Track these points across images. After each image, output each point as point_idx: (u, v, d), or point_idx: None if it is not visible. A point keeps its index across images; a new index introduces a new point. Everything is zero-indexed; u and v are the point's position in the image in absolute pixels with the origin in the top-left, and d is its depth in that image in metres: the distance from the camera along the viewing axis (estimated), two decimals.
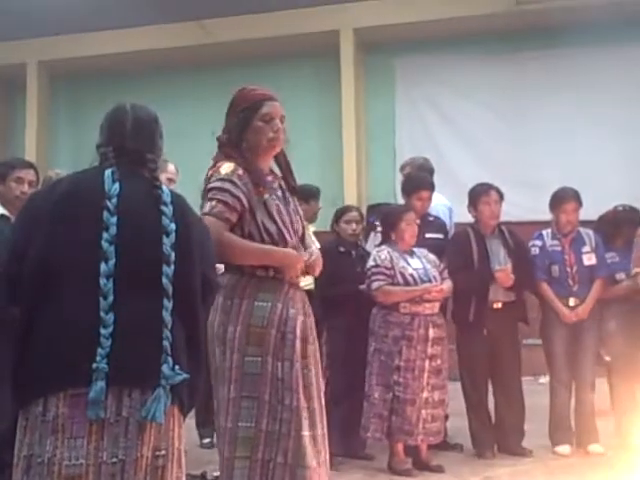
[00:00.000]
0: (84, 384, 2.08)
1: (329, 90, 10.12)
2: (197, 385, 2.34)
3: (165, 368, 2.16)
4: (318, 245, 5.77)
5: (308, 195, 5.88)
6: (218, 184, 3.03)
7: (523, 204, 8.83)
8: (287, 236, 3.10)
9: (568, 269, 5.34)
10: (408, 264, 4.98)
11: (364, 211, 7.07)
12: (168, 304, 2.21)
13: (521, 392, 5.39)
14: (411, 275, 4.92)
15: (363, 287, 5.03)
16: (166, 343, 2.18)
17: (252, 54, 10.16)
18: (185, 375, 2.21)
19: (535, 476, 4.79)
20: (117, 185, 2.24)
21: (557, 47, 9.52)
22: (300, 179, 6.24)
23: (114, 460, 2.10)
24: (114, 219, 2.19)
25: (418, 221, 5.16)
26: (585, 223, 5.64)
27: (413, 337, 4.84)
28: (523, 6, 9.23)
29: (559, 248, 5.40)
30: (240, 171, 3.06)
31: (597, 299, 5.31)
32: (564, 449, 5.26)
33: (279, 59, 10.19)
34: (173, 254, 2.25)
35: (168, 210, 2.30)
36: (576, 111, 9.52)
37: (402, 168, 6.26)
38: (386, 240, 5.13)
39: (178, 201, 2.37)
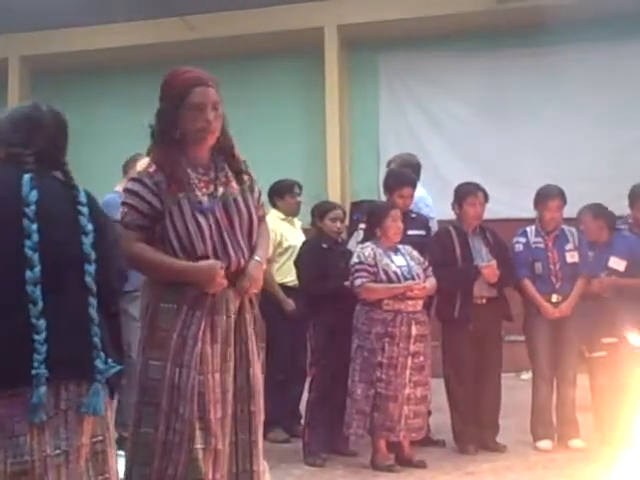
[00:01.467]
0: (22, 385, 2.14)
1: (313, 87, 10.12)
2: (121, 372, 2.41)
3: (99, 363, 2.27)
4: (302, 239, 5.83)
5: (281, 190, 5.93)
6: (129, 185, 2.95)
7: (505, 201, 8.88)
8: (197, 244, 2.86)
9: (551, 266, 5.38)
10: (392, 261, 5.00)
11: (347, 208, 7.09)
12: (94, 301, 2.30)
13: (499, 388, 5.42)
14: (394, 272, 4.94)
15: (348, 284, 5.04)
16: (96, 339, 2.28)
17: (236, 51, 10.16)
18: (117, 367, 2.33)
19: (516, 471, 4.82)
20: (35, 192, 2.25)
21: (539, 45, 9.59)
22: (284, 175, 6.34)
23: (57, 452, 2.19)
24: (34, 226, 2.21)
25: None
26: (567, 221, 5.67)
27: (396, 334, 4.85)
28: (505, 4, 9.29)
29: (542, 245, 5.44)
30: (152, 168, 2.91)
31: (580, 296, 5.35)
32: (545, 444, 5.30)
33: (263, 56, 10.18)
34: (93, 253, 2.32)
35: (85, 210, 2.35)
36: (558, 108, 9.59)
37: (388, 164, 6.27)
38: (370, 237, 5.15)
39: (92, 202, 2.43)
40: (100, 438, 2.32)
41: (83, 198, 2.38)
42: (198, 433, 2.79)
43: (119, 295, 2.63)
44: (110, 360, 2.30)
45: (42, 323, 2.16)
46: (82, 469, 2.26)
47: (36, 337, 2.15)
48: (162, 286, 2.88)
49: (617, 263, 5.44)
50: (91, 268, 2.31)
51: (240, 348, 2.94)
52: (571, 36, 9.43)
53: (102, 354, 2.28)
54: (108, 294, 2.38)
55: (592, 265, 5.47)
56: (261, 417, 3.01)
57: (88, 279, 2.30)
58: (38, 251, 2.20)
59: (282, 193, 5.98)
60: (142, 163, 2.96)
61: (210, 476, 2.81)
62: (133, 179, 2.95)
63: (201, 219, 2.86)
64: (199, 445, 2.79)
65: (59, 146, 2.46)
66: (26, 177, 2.27)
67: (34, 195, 2.24)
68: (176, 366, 2.81)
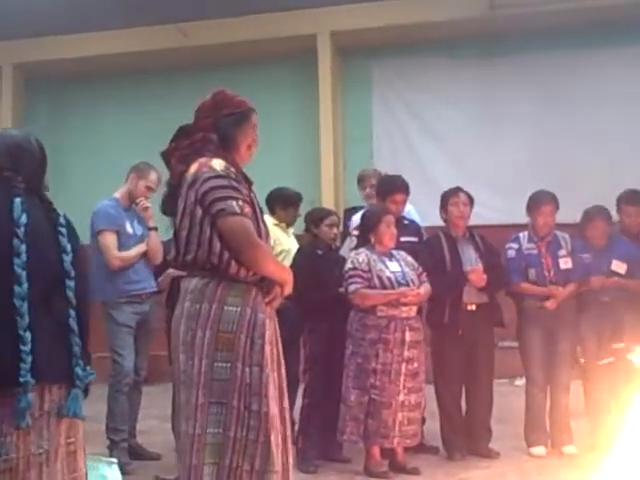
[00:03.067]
0: (10, 388, 2.35)
1: (307, 93, 10.13)
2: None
3: (78, 370, 2.52)
4: (294, 244, 5.82)
5: (287, 202, 5.84)
6: (226, 182, 3.00)
7: (498, 207, 8.94)
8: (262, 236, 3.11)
9: (546, 273, 5.39)
10: (386, 267, 5.00)
11: (341, 214, 7.09)
12: (73, 313, 2.55)
13: (491, 395, 5.43)
14: (388, 278, 4.94)
15: (342, 290, 5.04)
16: (76, 348, 2.53)
17: (230, 57, 10.17)
18: (93, 374, 2.58)
19: (510, 477, 4.84)
20: (25, 215, 2.48)
21: (530, 51, 9.62)
22: (278, 182, 6.34)
23: (40, 451, 2.43)
24: (23, 247, 2.44)
25: None
26: (560, 226, 5.68)
27: (390, 340, 4.86)
28: (497, 11, 9.30)
29: (535, 251, 5.45)
30: (232, 169, 3.07)
31: (571, 297, 5.36)
32: (539, 450, 5.31)
33: (257, 63, 10.19)
34: (73, 270, 2.58)
35: (64, 231, 2.63)
36: (549, 114, 9.63)
37: (359, 181, 6.25)
38: (364, 243, 5.15)
39: (69, 224, 2.70)
40: (73, 440, 2.56)
41: (62, 221, 2.65)
42: (272, 428, 2.94)
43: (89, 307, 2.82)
44: (88, 368, 2.57)
45: (28, 335, 2.38)
46: (58, 468, 2.48)
47: (22, 348, 2.36)
48: (225, 289, 2.97)
49: (619, 266, 5.46)
50: (71, 283, 2.57)
51: (277, 349, 3.14)
52: (561, 43, 9.48)
53: (80, 362, 2.53)
54: (83, 306, 2.64)
55: (593, 269, 5.45)
56: (285, 416, 3.16)
57: (69, 293, 2.56)
58: (26, 269, 2.43)
59: (287, 205, 5.84)
60: (220, 162, 3.04)
61: (279, 466, 2.99)
62: (228, 177, 3.02)
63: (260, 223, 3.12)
64: (273, 437, 2.94)
65: (42, 175, 2.77)
66: (17, 200, 2.50)
67: (24, 218, 2.47)
68: (246, 366, 2.93)
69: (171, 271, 5.43)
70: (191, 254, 3.00)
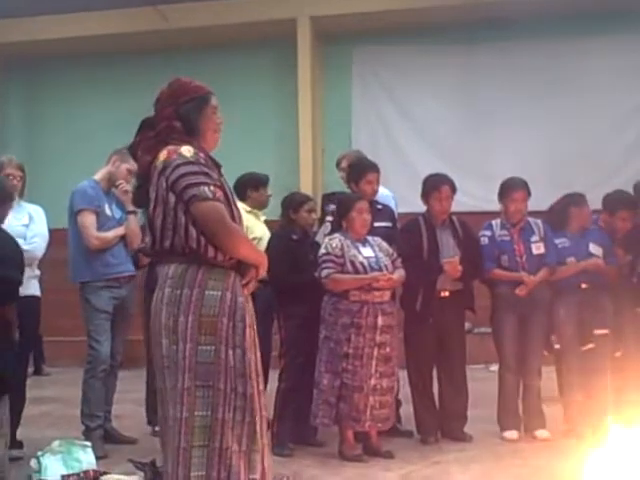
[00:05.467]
0: None
1: (286, 78, 10.12)
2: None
3: None
4: (266, 231, 5.85)
5: (258, 182, 5.92)
6: (196, 168, 3.00)
7: (476, 194, 8.97)
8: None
9: (517, 259, 5.42)
10: (359, 252, 5.01)
11: (319, 199, 7.09)
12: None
13: (465, 379, 5.48)
14: (361, 263, 4.95)
15: (316, 275, 5.06)
16: None
17: (209, 41, 10.13)
18: None
19: (483, 461, 4.87)
20: None
21: (512, 39, 9.66)
22: (256, 167, 6.35)
23: None
24: None
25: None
26: (536, 214, 5.72)
27: (362, 325, 4.87)
28: None
29: (508, 238, 5.47)
30: (202, 154, 3.08)
31: (544, 282, 5.39)
32: (511, 434, 5.36)
33: (236, 47, 10.16)
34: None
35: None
36: (529, 102, 9.68)
37: (338, 163, 6.30)
38: (337, 229, 5.16)
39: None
40: None
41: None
42: (256, 407, 3.01)
43: None
44: None
45: None
46: None
47: None
48: (205, 274, 2.99)
49: (596, 250, 5.50)
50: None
51: (254, 332, 3.15)
52: (544, 31, 9.53)
53: None
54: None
55: (569, 253, 5.50)
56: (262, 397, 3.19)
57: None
58: None
59: (257, 186, 5.92)
60: (188, 149, 3.04)
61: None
62: (198, 163, 3.03)
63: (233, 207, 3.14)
64: (258, 418, 3.01)
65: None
66: None
67: None
68: (230, 348, 2.97)
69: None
70: (168, 240, 3.01)
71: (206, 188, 2.97)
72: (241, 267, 3.08)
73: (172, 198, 2.98)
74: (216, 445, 2.93)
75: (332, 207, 5.49)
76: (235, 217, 3.10)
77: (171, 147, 3.05)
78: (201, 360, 2.94)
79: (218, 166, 3.17)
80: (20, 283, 4.05)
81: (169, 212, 2.99)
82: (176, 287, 2.99)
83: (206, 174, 3.01)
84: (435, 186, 5.45)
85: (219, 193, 3.02)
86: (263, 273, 3.17)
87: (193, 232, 2.96)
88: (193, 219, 2.96)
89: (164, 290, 3.01)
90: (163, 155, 3.04)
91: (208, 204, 2.95)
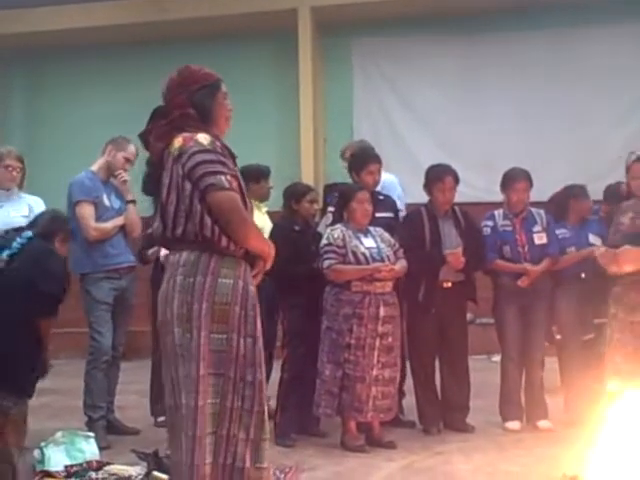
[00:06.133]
0: None
1: (287, 69, 10.09)
2: None
3: None
4: (267, 222, 5.84)
5: (259, 174, 5.87)
6: (214, 157, 3.00)
7: (478, 185, 8.94)
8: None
9: (519, 249, 5.41)
10: (361, 243, 5.01)
11: (320, 190, 7.08)
12: None
13: (467, 370, 5.48)
14: (363, 254, 4.95)
15: (318, 265, 5.05)
16: None
17: (209, 32, 10.08)
18: None
19: (485, 451, 4.87)
20: None
21: (512, 29, 9.64)
22: (257, 158, 6.33)
23: None
24: None
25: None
26: (538, 204, 5.70)
27: (364, 315, 4.87)
28: None
29: (510, 228, 5.46)
30: (218, 142, 3.08)
31: (546, 272, 5.38)
32: (514, 425, 5.37)
33: (236, 37, 10.11)
34: None
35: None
36: (530, 93, 9.65)
37: (342, 154, 6.29)
38: (340, 219, 5.16)
39: None
40: None
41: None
42: (264, 397, 3.05)
43: None
44: None
45: None
46: None
47: None
48: (217, 262, 3.00)
49: (595, 240, 5.50)
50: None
51: (260, 321, 3.16)
52: (545, 22, 9.50)
53: None
54: None
55: (570, 244, 5.52)
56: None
57: None
58: None
59: (258, 178, 5.85)
60: (205, 136, 3.04)
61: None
62: (215, 151, 3.02)
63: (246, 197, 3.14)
64: (265, 408, 3.04)
65: None
66: None
67: None
68: (241, 337, 2.99)
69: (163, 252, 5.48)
70: (180, 228, 3.02)
71: (223, 177, 2.97)
72: (250, 258, 3.09)
73: (188, 186, 2.98)
74: (223, 433, 2.95)
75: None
76: (247, 207, 3.11)
77: (187, 134, 3.04)
78: (213, 348, 2.96)
79: (233, 156, 3.16)
80: (60, 300, 3.98)
81: (184, 199, 2.99)
82: (189, 275, 2.98)
83: (222, 163, 3.01)
84: (439, 177, 5.44)
85: (235, 183, 3.03)
86: (270, 265, 3.18)
87: (208, 221, 2.96)
88: (208, 208, 2.96)
89: (176, 278, 3.00)
90: (178, 142, 3.03)
91: (224, 193, 2.95)
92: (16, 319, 3.79)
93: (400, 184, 6.11)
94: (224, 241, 2.99)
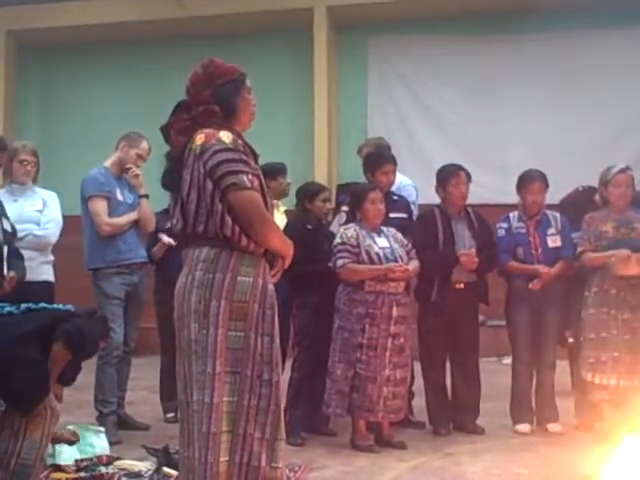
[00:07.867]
0: None
1: (302, 67, 10.09)
2: None
3: None
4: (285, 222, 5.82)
5: (275, 172, 5.84)
6: (236, 156, 2.99)
7: (493, 186, 8.92)
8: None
9: (533, 251, 5.39)
10: (374, 242, 5.00)
11: (334, 190, 7.09)
12: None
13: (478, 371, 5.46)
14: (376, 254, 4.94)
15: (331, 264, 5.05)
16: None
17: (226, 30, 10.10)
18: None
19: (495, 453, 4.86)
20: None
21: (528, 30, 9.56)
22: (271, 156, 6.29)
23: None
24: None
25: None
26: (553, 206, 5.69)
27: (376, 315, 4.87)
28: None
29: (524, 230, 5.44)
30: (240, 141, 3.06)
31: (560, 276, 5.35)
32: (524, 427, 5.34)
33: (252, 35, 10.13)
34: None
35: None
36: (545, 94, 9.61)
37: (359, 150, 6.28)
38: (352, 219, 5.15)
39: None
40: None
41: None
42: (280, 396, 3.05)
43: None
44: None
45: None
46: None
47: None
48: (237, 260, 3.00)
49: None
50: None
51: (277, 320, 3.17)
52: (561, 24, 9.44)
53: None
54: None
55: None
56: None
57: None
58: None
59: (275, 175, 5.79)
60: (227, 134, 3.03)
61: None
62: (237, 150, 3.01)
63: (267, 196, 3.14)
64: (282, 407, 3.05)
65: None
66: None
67: None
68: (259, 335, 2.99)
69: (165, 239, 5.48)
70: (201, 225, 3.01)
71: (244, 177, 2.97)
72: (269, 257, 3.10)
73: (209, 184, 2.97)
74: (240, 432, 2.95)
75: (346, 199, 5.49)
76: (268, 206, 3.10)
77: (208, 130, 3.03)
78: (231, 346, 2.96)
79: (255, 155, 3.14)
80: (93, 352, 3.86)
81: (205, 197, 2.98)
82: (209, 271, 2.98)
83: (244, 162, 3.00)
84: (452, 172, 5.43)
85: (256, 182, 3.02)
86: (288, 264, 3.18)
87: (229, 220, 2.96)
88: (229, 207, 2.95)
89: (194, 274, 3.00)
90: (200, 138, 3.02)
91: (246, 193, 2.95)
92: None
93: (415, 187, 6.07)
94: (244, 240, 2.99)
